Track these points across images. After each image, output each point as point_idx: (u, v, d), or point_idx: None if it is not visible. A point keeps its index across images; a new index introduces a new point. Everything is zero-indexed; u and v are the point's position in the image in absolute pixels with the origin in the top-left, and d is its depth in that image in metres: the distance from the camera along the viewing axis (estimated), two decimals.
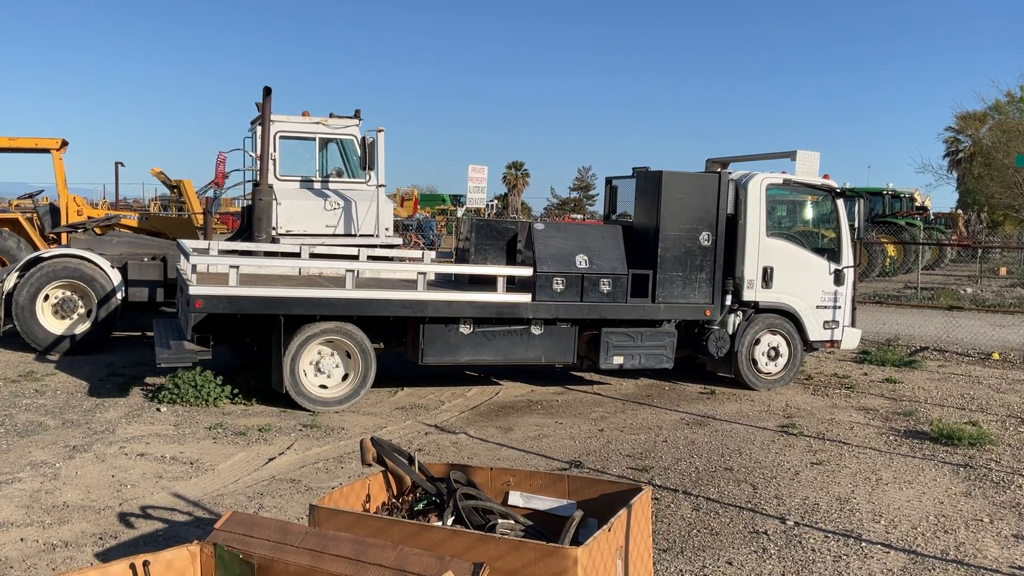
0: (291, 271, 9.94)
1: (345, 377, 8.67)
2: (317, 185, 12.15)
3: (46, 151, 14.14)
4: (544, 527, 4.15)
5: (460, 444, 7.55)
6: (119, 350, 11.21)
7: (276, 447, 7.24)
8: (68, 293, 10.88)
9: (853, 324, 10.75)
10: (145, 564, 2.96)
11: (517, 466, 6.56)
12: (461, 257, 10.19)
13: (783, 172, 10.52)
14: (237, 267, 8.23)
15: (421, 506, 4.34)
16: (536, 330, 9.11)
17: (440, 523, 3.99)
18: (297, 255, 10.36)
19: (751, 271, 9.93)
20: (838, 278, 10.43)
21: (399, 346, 9.31)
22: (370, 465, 4.46)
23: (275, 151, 11.68)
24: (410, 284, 9.09)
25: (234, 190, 14.25)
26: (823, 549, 5.38)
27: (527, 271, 9.11)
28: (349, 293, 8.45)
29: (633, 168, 10.22)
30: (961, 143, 49.89)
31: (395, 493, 4.49)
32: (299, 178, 12.09)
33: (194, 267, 8.47)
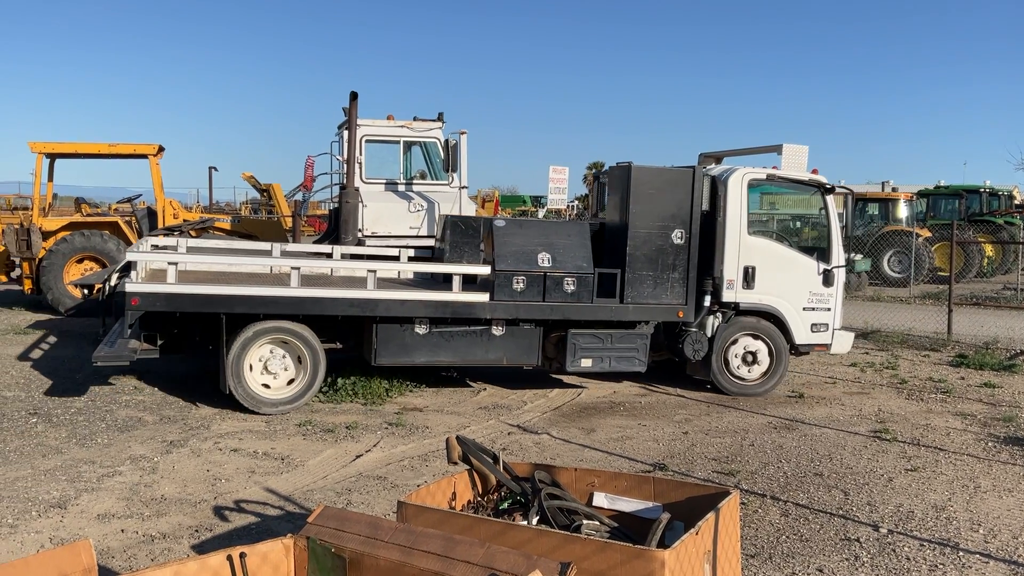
0: (262, 269, 9.79)
1: (292, 380, 8.45)
2: (401, 187, 12.32)
3: (144, 157, 14.72)
4: (629, 529, 4.13)
5: (543, 444, 7.56)
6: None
7: (363, 444, 7.37)
8: None
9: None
10: (242, 556, 3.05)
11: (600, 467, 6.53)
12: (438, 256, 9.86)
13: (774, 168, 10.01)
14: (176, 264, 8.07)
15: (506, 505, 4.37)
16: (497, 330, 8.79)
17: (525, 522, 4.00)
18: (268, 253, 10.13)
19: (731, 271, 9.45)
20: (827, 279, 9.86)
21: (356, 346, 9.10)
22: (455, 463, 4.50)
23: (361, 155, 11.90)
24: (387, 283, 8.94)
25: (322, 193, 14.57)
26: (918, 558, 5.21)
27: (485, 269, 8.80)
28: (294, 291, 8.19)
29: (617, 163, 9.72)
30: None
31: (480, 492, 4.52)
32: (384, 181, 12.29)
33: (133, 264, 8.20)
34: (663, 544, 3.59)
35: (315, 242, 12.86)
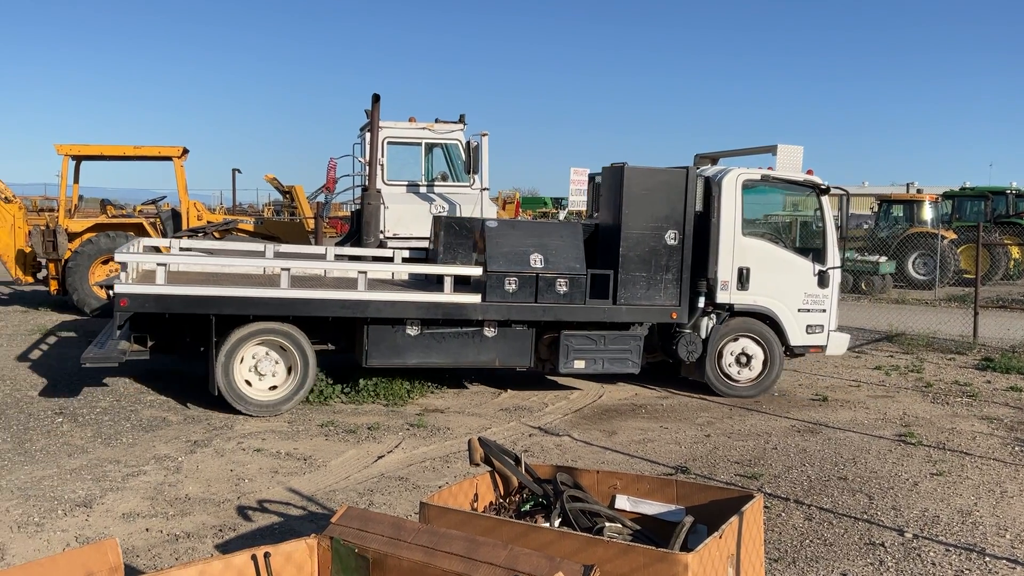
0: (255, 270, 9.71)
1: (284, 381, 8.39)
2: (423, 189, 12.35)
3: (168, 159, 14.85)
4: (652, 532, 4.12)
5: (564, 446, 7.55)
6: None
7: (385, 445, 7.39)
8: None
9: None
10: (266, 556, 3.07)
11: (621, 470, 6.52)
12: (432, 257, 9.79)
13: (770, 168, 9.92)
14: (165, 265, 8.05)
15: (528, 507, 4.36)
16: (489, 332, 8.75)
17: (547, 524, 4.00)
18: (261, 254, 10.01)
19: (725, 272, 9.41)
20: (822, 280, 9.76)
21: (349, 348, 9.05)
22: (478, 465, 4.51)
23: (383, 156, 11.94)
24: (379, 284, 8.86)
25: (344, 195, 14.64)
26: (944, 563, 5.16)
27: (477, 270, 8.74)
28: (283, 293, 8.15)
29: (612, 164, 9.63)
30: None
31: (502, 493, 4.53)
32: (406, 183, 12.33)
33: (123, 265, 8.12)
34: (686, 547, 3.58)
35: (337, 243, 12.92)
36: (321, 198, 16.16)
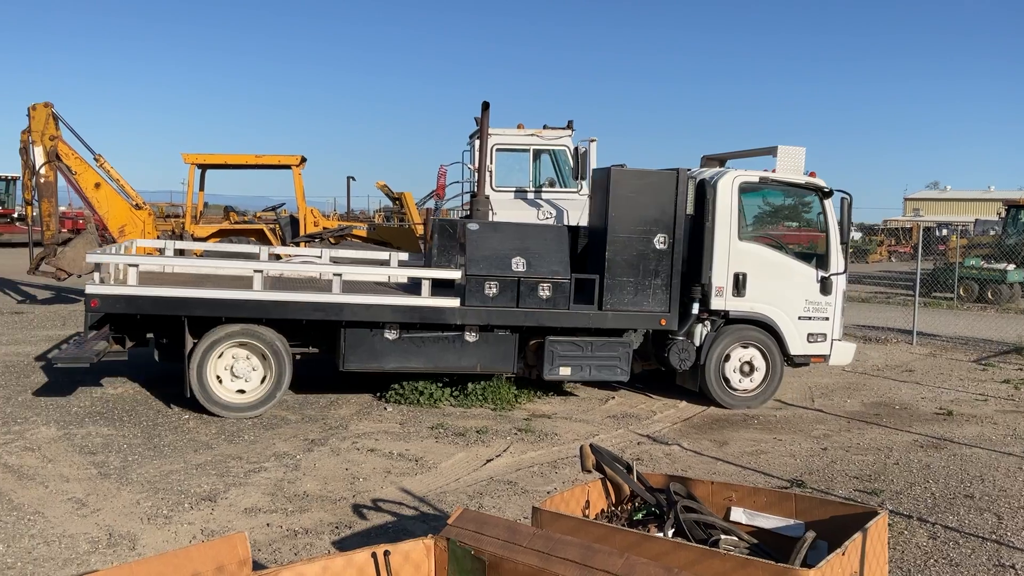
0: (245, 272, 9.28)
1: (257, 385, 8.33)
2: (531, 195, 12.41)
3: (287, 167, 15.39)
4: (768, 547, 4.02)
5: (673, 455, 7.45)
6: None
7: (493, 449, 7.45)
8: None
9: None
10: (386, 554, 3.14)
11: (733, 481, 6.39)
12: (426, 259, 9.62)
13: (773, 170, 9.49)
14: (137, 265, 8.02)
15: (640, 516, 4.33)
16: (470, 337, 8.58)
17: (660, 535, 3.95)
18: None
19: (720, 277, 9.04)
20: (825, 286, 9.32)
21: (331, 351, 8.92)
22: (589, 471, 4.50)
23: (491, 163, 12.05)
24: (356, 287, 8.84)
25: (453, 201, 14.84)
26: None
27: (456, 274, 8.58)
28: (256, 294, 8.06)
29: (611, 166, 9.35)
30: None
31: (613, 501, 4.50)
32: (514, 189, 12.40)
33: (98, 265, 8.10)
34: (807, 564, 3.48)
35: None
36: (430, 204, 16.43)
